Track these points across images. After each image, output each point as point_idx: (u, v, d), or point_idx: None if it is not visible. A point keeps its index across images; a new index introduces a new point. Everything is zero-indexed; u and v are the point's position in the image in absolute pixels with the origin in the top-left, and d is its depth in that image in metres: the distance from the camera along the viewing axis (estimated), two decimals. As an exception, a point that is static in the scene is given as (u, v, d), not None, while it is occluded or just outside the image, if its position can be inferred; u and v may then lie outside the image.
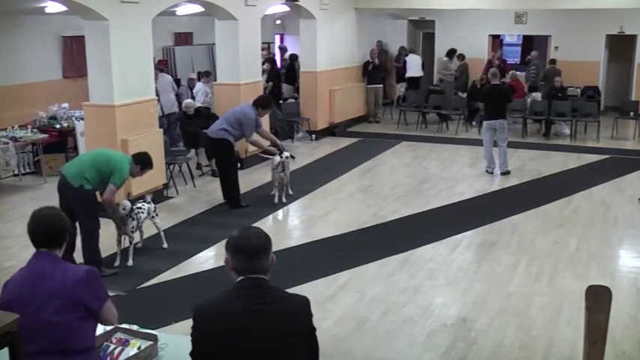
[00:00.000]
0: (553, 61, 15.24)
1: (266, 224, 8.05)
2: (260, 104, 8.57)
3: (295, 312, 2.58)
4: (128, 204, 6.54)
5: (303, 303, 2.63)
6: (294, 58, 15.44)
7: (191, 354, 2.57)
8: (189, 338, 2.58)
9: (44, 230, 2.96)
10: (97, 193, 6.39)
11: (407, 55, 16.82)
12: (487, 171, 10.40)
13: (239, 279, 2.58)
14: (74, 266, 3.04)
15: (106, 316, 2.99)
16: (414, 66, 16.41)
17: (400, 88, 16.55)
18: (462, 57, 15.66)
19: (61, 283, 2.87)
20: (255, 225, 8.32)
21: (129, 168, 6.32)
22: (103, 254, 6.79)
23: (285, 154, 8.76)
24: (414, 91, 15.71)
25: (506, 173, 10.25)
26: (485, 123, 10.46)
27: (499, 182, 10.01)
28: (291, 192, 8.99)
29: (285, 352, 2.50)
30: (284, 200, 8.76)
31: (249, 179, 9.40)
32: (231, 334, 2.48)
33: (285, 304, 2.59)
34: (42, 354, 2.85)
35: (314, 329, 2.64)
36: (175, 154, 9.92)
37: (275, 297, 2.59)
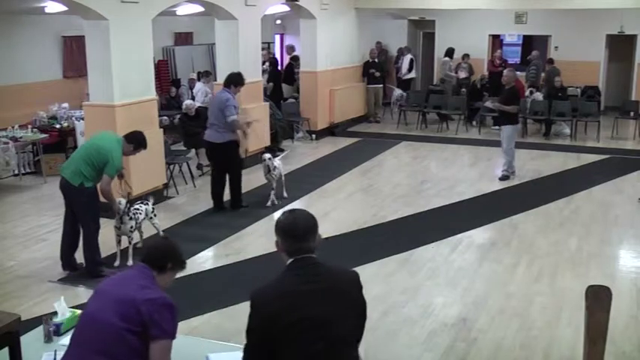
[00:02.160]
0: (551, 61, 15.22)
1: (267, 224, 8.04)
2: (232, 82, 8.23)
3: (346, 285, 2.80)
4: (123, 201, 6.52)
5: (354, 277, 2.86)
6: (294, 59, 15.44)
7: (248, 345, 2.71)
8: (247, 333, 2.70)
9: (153, 249, 3.24)
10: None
11: (405, 55, 16.72)
12: (507, 176, 10.07)
13: (290, 260, 2.76)
14: (158, 290, 3.05)
15: (158, 354, 2.93)
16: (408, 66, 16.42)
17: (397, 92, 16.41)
18: (467, 56, 15.61)
19: (135, 294, 2.95)
20: (255, 225, 8.31)
21: (121, 151, 6.21)
22: (103, 254, 6.79)
23: (266, 155, 8.65)
24: (412, 92, 15.70)
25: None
26: (516, 127, 10.23)
27: (499, 182, 10.00)
28: (285, 195, 8.90)
29: (339, 323, 2.69)
30: (275, 203, 8.63)
31: (250, 179, 9.38)
32: (288, 312, 2.62)
33: (337, 278, 2.81)
34: (91, 353, 2.90)
35: (364, 301, 2.88)
36: (175, 154, 9.91)
37: (326, 272, 2.77)
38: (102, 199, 6.31)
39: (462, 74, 15.48)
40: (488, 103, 10.27)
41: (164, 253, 3.17)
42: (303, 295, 2.67)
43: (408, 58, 16.59)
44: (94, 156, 6.12)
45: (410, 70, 16.53)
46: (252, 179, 9.63)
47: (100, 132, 6.57)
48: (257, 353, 2.67)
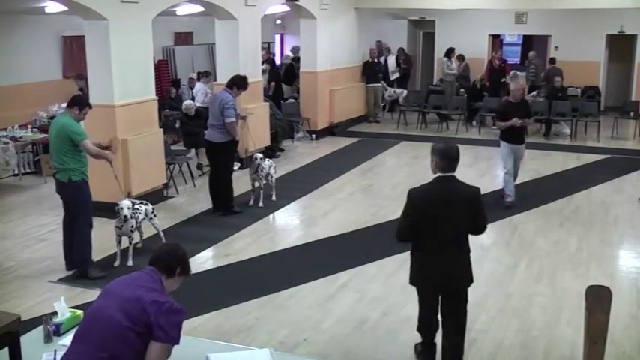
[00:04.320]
0: (553, 61, 15.25)
1: (267, 224, 8.05)
2: (235, 83, 8.15)
3: (469, 196, 4.31)
4: (127, 203, 6.52)
5: (476, 192, 4.36)
6: (296, 60, 15.44)
7: (402, 228, 4.31)
8: (403, 215, 4.33)
9: (164, 253, 3.20)
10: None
11: (389, 55, 16.54)
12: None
13: (439, 175, 4.27)
14: (165, 294, 3.05)
15: (154, 354, 2.92)
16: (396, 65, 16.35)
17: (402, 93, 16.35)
18: (461, 57, 15.65)
19: (142, 295, 2.95)
20: (255, 225, 8.29)
21: (71, 119, 6.13)
22: (103, 254, 6.81)
23: (258, 155, 8.62)
24: (413, 91, 15.68)
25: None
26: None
27: (499, 182, 9.98)
28: (274, 198, 8.81)
29: (460, 219, 4.24)
30: (260, 205, 8.58)
31: (248, 180, 9.36)
32: (431, 205, 4.24)
33: (465, 191, 4.32)
34: (91, 349, 2.90)
35: (479, 207, 4.30)
36: (175, 154, 9.91)
37: (459, 186, 4.32)
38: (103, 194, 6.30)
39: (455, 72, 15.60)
40: (518, 122, 8.45)
41: (175, 258, 3.17)
42: (442, 198, 4.22)
43: (393, 58, 16.52)
44: (59, 144, 6.10)
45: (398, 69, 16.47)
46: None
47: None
48: (407, 225, 4.29)
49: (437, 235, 4.24)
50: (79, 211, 6.25)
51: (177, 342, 2.97)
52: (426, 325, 4.58)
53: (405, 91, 16.14)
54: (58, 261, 6.56)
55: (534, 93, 14.61)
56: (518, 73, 14.82)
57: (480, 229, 4.35)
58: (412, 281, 4.46)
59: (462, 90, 14.99)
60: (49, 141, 6.42)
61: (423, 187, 4.32)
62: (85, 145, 6.10)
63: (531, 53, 16.22)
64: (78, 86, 11.34)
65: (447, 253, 4.26)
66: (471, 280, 4.42)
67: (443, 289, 4.36)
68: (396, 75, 16.47)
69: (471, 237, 7.63)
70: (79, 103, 6.26)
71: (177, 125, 11.51)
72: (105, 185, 7.15)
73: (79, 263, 6.33)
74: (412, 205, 4.27)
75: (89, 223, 6.32)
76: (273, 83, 13.60)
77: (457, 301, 4.39)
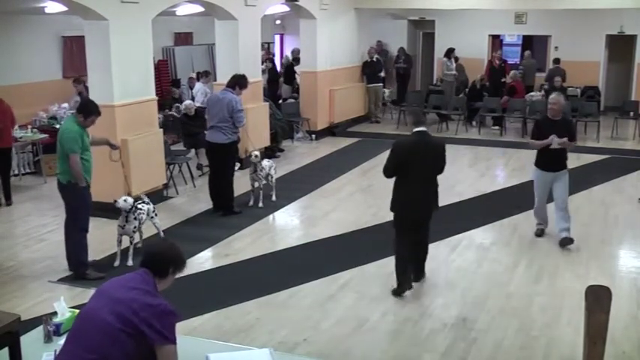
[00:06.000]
0: (557, 61, 15.25)
1: (267, 224, 8.05)
2: (237, 83, 8.15)
3: (439, 146, 5.85)
4: (129, 199, 6.52)
5: (443, 142, 6.01)
6: (295, 60, 15.44)
7: (387, 167, 5.66)
8: (388, 158, 5.70)
9: (155, 255, 3.18)
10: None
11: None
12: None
13: (415, 130, 5.70)
14: (159, 296, 3.05)
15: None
16: None
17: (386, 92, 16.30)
18: (455, 58, 15.65)
19: (134, 298, 2.94)
20: (254, 225, 8.30)
21: (75, 125, 6.03)
22: (103, 254, 6.81)
23: (255, 152, 8.58)
24: (413, 91, 15.66)
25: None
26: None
27: (499, 182, 10.00)
28: (274, 198, 8.83)
29: (433, 163, 5.72)
30: (260, 205, 8.59)
31: (247, 180, 9.37)
32: (411, 153, 5.60)
33: (435, 142, 5.93)
34: (82, 350, 2.89)
35: (445, 155, 5.84)
36: (175, 154, 9.91)
37: (430, 138, 5.87)
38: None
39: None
40: (556, 141, 7.00)
41: (166, 259, 3.16)
42: (419, 147, 5.62)
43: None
44: (61, 148, 6.05)
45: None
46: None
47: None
48: (393, 168, 5.62)
49: (414, 174, 5.61)
50: (77, 214, 6.23)
51: (174, 343, 2.97)
52: (402, 246, 5.83)
53: (387, 91, 16.12)
54: (58, 261, 6.56)
55: (533, 93, 14.61)
56: (517, 72, 14.84)
57: (441, 170, 5.83)
58: (392, 208, 5.84)
59: (466, 90, 14.97)
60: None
61: (404, 139, 5.82)
62: (73, 159, 5.97)
63: (526, 53, 16.31)
64: (77, 90, 11.34)
65: (421, 188, 5.68)
66: (437, 207, 5.95)
67: (416, 215, 5.80)
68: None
69: (470, 237, 7.82)
70: (84, 110, 6.13)
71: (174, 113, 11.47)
72: (105, 185, 7.15)
73: (74, 267, 6.33)
74: (396, 153, 5.63)
75: (85, 228, 6.29)
76: (281, 80, 13.54)
77: (426, 223, 5.96)
